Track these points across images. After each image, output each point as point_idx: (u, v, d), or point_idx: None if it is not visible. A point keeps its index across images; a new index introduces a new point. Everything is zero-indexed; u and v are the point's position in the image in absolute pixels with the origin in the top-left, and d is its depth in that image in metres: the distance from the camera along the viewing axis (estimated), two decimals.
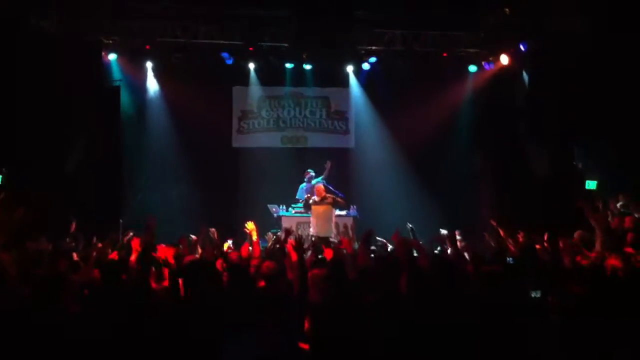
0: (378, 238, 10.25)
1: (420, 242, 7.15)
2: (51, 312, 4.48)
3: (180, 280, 5.02)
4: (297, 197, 13.15)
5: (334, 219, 12.02)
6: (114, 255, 7.46)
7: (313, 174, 13.14)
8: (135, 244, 6.27)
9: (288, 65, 13.92)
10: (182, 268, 5.38)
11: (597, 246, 8.66)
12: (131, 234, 9.24)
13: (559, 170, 12.47)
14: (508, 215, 12.39)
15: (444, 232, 9.39)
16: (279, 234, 11.64)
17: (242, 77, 14.24)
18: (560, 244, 9.11)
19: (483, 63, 13.73)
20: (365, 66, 13.84)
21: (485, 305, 4.34)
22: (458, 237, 8.52)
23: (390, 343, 4.06)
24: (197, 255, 7.40)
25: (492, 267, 5.12)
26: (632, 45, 10.72)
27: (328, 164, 13.01)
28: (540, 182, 12.63)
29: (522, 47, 12.70)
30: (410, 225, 11.09)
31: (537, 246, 8.10)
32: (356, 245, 8.26)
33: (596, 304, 4.40)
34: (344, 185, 13.36)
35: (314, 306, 4.48)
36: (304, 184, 13.23)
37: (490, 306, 4.34)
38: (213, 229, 9.84)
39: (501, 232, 9.82)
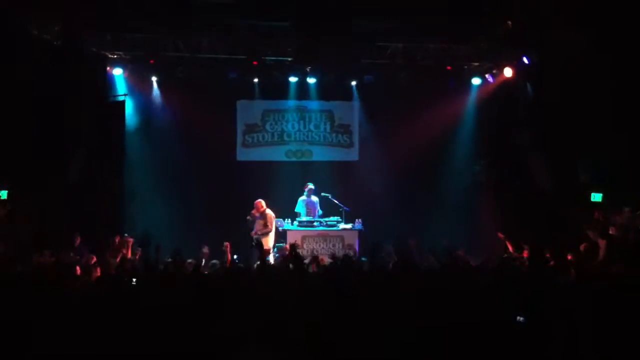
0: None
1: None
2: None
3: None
4: (296, 210, 13.15)
5: (269, 234, 12.26)
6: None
7: (312, 187, 13.14)
8: None
9: (292, 79, 13.97)
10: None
11: (601, 257, 8.64)
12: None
13: (563, 182, 12.44)
14: (511, 226, 12.37)
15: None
16: (283, 246, 11.65)
17: (246, 91, 14.25)
18: (568, 257, 9.12)
19: (486, 75, 13.75)
20: (368, 79, 13.87)
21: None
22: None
23: (390, 349, 4.05)
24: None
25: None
26: (633, 56, 10.74)
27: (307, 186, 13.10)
28: (544, 194, 12.60)
29: (525, 60, 12.71)
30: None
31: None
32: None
33: (601, 311, 4.39)
34: (348, 198, 13.34)
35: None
36: (304, 197, 13.22)
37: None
38: (227, 243, 9.95)
39: (509, 246, 9.83)
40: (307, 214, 13.12)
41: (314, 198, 13.20)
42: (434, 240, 11.65)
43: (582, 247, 10.04)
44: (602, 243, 10.03)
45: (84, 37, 11.95)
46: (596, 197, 11.86)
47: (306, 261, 9.42)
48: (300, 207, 13.17)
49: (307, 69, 13.55)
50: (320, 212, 13.19)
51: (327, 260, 10.65)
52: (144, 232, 7.18)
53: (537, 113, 12.87)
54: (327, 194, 13.11)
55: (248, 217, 12.55)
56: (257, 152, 14.81)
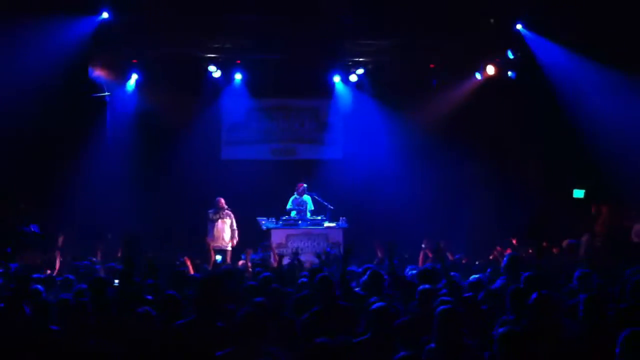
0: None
1: None
2: None
3: None
4: (287, 208, 13.09)
5: (225, 231, 12.37)
6: None
7: (305, 185, 13.10)
8: None
9: (277, 77, 13.91)
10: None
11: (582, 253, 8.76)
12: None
13: (551, 177, 12.57)
14: (501, 221, 12.47)
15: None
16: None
17: (231, 89, 14.19)
18: (554, 251, 9.22)
19: (471, 72, 13.80)
20: (353, 77, 13.90)
21: None
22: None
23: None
24: None
25: None
26: (618, 49, 10.84)
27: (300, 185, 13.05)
28: (532, 189, 12.74)
29: (510, 55, 12.80)
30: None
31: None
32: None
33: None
34: (333, 196, 13.34)
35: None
36: (295, 195, 13.14)
37: None
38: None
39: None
40: (298, 213, 13.05)
41: (306, 197, 13.13)
42: (421, 238, 11.72)
43: (564, 244, 10.16)
44: (584, 239, 10.16)
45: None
46: (578, 193, 11.99)
47: (287, 260, 9.43)
48: (291, 205, 13.11)
49: (292, 67, 13.48)
50: (312, 207, 13.11)
51: (311, 260, 10.68)
52: (129, 234, 7.15)
53: (523, 108, 12.97)
54: (312, 193, 13.09)
55: (215, 217, 12.39)
56: (241, 151, 14.75)
